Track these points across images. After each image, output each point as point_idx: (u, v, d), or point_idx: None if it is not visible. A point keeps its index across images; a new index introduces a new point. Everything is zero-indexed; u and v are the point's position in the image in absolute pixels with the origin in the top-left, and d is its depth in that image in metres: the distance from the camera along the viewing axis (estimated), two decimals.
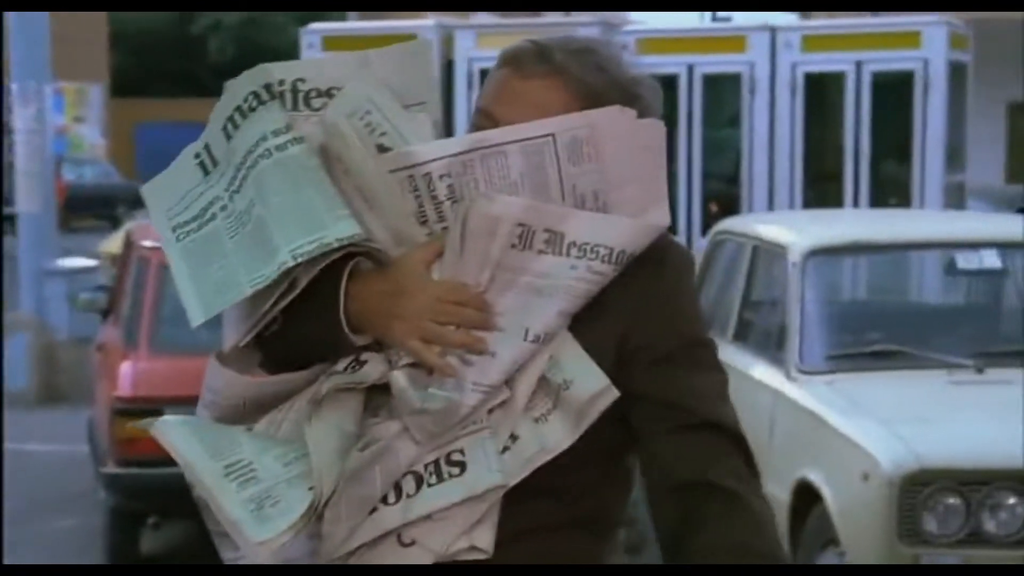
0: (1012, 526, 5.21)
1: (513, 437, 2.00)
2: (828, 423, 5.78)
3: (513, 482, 1.99)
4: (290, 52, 14.29)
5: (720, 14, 11.21)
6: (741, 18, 10.91)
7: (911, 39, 10.04)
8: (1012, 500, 5.24)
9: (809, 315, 6.33)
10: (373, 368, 2.02)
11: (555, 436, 2.01)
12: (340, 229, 1.95)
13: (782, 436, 6.19)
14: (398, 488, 1.98)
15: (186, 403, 2.33)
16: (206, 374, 2.09)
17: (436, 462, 1.99)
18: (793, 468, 5.91)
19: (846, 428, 5.66)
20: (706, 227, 8.81)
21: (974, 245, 6.79)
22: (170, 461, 1.98)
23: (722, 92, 10.36)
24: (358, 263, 2.02)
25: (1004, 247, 6.82)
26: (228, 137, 2.05)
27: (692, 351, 2.06)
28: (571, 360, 2.03)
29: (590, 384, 2.03)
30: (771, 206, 10.02)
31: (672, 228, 2.12)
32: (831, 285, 6.84)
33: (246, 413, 2.08)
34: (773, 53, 10.06)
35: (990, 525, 5.21)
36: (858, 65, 10.49)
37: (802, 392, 6.08)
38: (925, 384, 5.92)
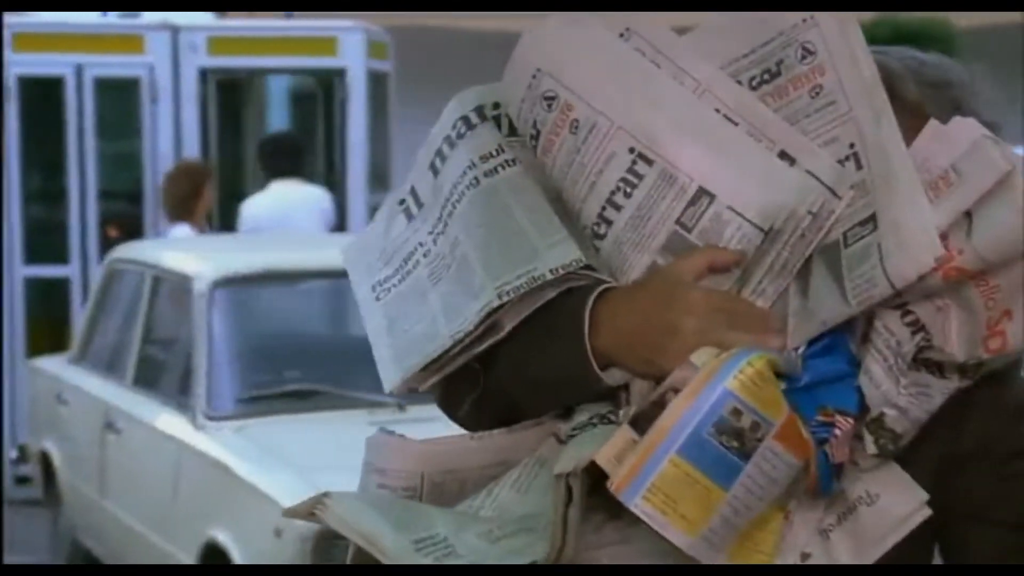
0: None
1: (804, 555, 1.72)
2: (237, 475, 5.63)
3: None
4: None
5: (134, 13, 10.88)
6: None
7: (326, 45, 10.07)
8: None
9: (217, 354, 6.21)
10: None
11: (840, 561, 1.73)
12: (553, 257, 1.72)
13: (188, 493, 6.06)
14: None
15: None
16: (366, 455, 1.84)
17: None
18: (200, 528, 5.79)
19: (256, 479, 5.53)
20: (103, 254, 8.54)
21: None
22: None
23: (119, 98, 10.06)
24: (607, 290, 1.72)
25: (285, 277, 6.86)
26: (435, 173, 1.87)
27: None
28: (877, 467, 1.73)
29: (901, 501, 1.73)
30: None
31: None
32: (242, 319, 6.65)
33: (423, 502, 1.79)
34: (176, 55, 9.86)
35: None
36: (263, 71, 10.58)
37: (210, 441, 5.92)
38: (345, 426, 5.83)
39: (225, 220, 9.88)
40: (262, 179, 9.32)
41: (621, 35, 1.74)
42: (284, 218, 8.77)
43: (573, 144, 1.72)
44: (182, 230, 8.44)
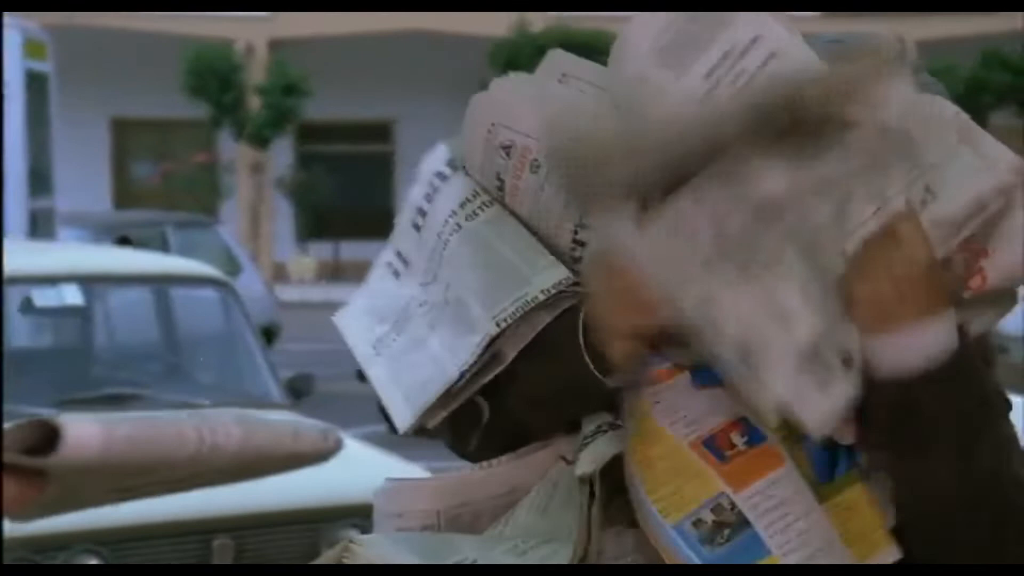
0: None
1: None
2: None
3: None
4: None
5: None
6: None
7: None
8: (93, 560, 5.41)
9: None
10: None
11: None
12: (543, 280, 1.79)
13: None
14: None
15: None
16: (379, 504, 1.89)
17: None
18: None
19: None
20: None
21: (53, 280, 6.64)
22: None
23: None
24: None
25: (88, 281, 6.77)
26: (418, 229, 1.94)
27: None
28: None
29: None
30: None
31: None
32: None
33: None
34: None
35: None
36: None
37: None
38: None
39: None
40: None
41: (559, 80, 1.86)
42: None
43: (536, 182, 1.82)
44: None
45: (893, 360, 1.65)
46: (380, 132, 32.15)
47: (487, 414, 1.85)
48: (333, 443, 1.65)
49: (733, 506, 1.71)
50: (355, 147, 31.76)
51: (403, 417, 1.86)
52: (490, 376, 1.81)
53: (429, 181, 1.93)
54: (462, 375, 1.82)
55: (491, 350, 1.81)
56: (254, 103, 27.72)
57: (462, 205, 1.88)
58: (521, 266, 1.82)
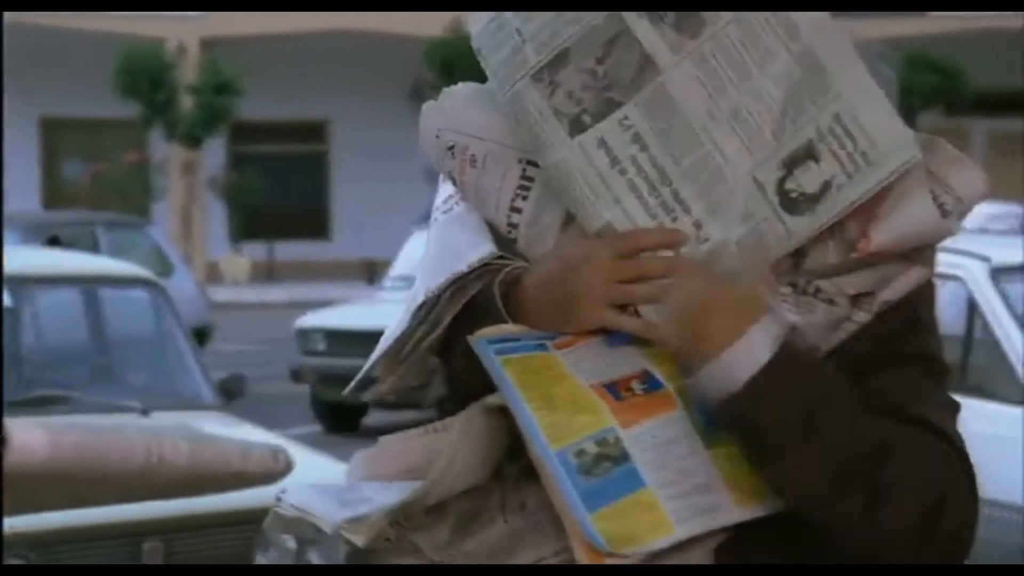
0: None
1: None
2: None
3: None
4: None
5: None
6: None
7: None
8: (20, 563, 5.31)
9: None
10: None
11: None
12: (472, 256, 1.94)
13: None
14: None
15: None
16: (348, 476, 2.00)
17: None
18: None
19: None
20: None
21: None
22: None
23: None
24: (518, 270, 1.92)
25: (16, 282, 6.81)
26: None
27: None
28: None
29: None
30: None
31: None
32: None
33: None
34: None
35: None
36: None
37: None
38: None
39: None
40: None
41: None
42: None
43: (476, 176, 1.98)
44: None
45: (715, 388, 1.77)
46: (314, 132, 32.07)
47: (440, 372, 2.01)
48: (283, 464, 1.67)
49: (618, 441, 1.78)
50: (289, 147, 31.67)
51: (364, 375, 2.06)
52: (428, 341, 1.98)
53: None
54: (397, 339, 1.99)
55: (430, 319, 1.97)
56: (186, 102, 27.59)
57: (444, 202, 2.06)
58: (465, 249, 1.97)
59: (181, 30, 28.68)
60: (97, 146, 30.09)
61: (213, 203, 29.53)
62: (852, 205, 1.80)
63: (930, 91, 26.43)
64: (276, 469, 1.56)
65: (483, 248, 1.94)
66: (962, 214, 1.84)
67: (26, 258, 7.81)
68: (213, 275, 27.99)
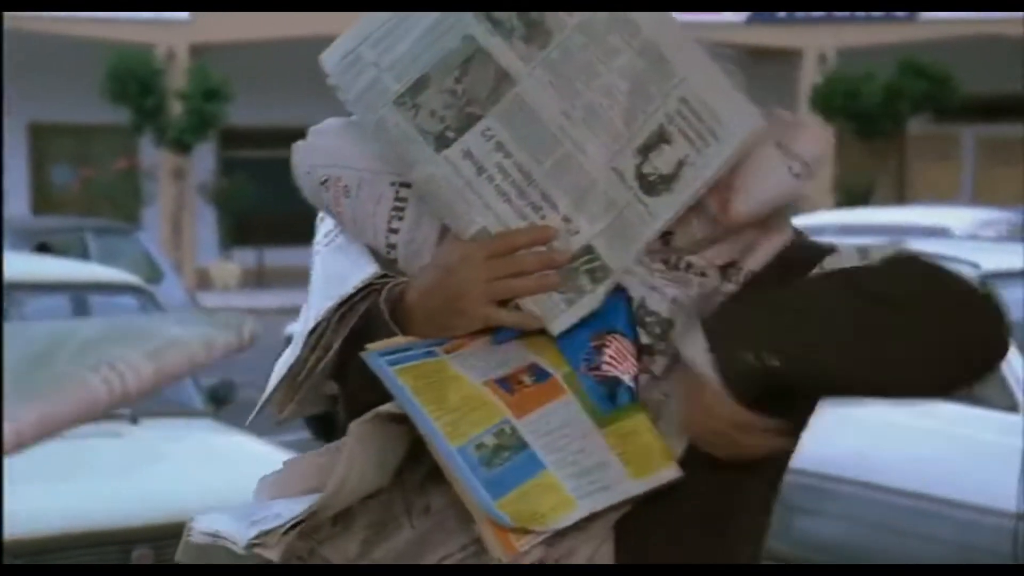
0: None
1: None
2: None
3: None
4: None
5: None
6: None
7: None
8: None
9: None
10: None
11: None
12: (356, 279, 1.99)
13: None
14: None
15: None
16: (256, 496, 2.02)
17: None
18: None
19: None
20: None
21: None
22: None
23: None
24: (400, 285, 1.98)
25: (5, 289, 6.73)
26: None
27: None
28: (669, 371, 2.00)
29: None
30: None
31: None
32: None
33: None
34: None
35: None
36: None
37: None
38: None
39: None
40: None
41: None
42: None
43: (351, 205, 2.04)
44: None
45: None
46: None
47: (340, 396, 2.07)
48: (248, 338, 1.69)
49: (514, 431, 1.85)
50: (279, 152, 31.56)
51: (264, 406, 2.14)
52: (321, 364, 2.03)
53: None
54: (291, 366, 2.05)
55: (322, 344, 2.02)
56: (175, 108, 27.55)
57: (324, 236, 2.12)
58: (348, 274, 2.02)
59: (170, 36, 28.65)
60: (86, 152, 30.03)
61: (203, 209, 29.49)
62: (709, 181, 1.89)
63: (919, 97, 26.44)
64: (241, 346, 1.59)
65: (366, 270, 2.00)
66: (811, 173, 1.94)
67: (15, 264, 7.80)
68: (203, 281, 27.95)
